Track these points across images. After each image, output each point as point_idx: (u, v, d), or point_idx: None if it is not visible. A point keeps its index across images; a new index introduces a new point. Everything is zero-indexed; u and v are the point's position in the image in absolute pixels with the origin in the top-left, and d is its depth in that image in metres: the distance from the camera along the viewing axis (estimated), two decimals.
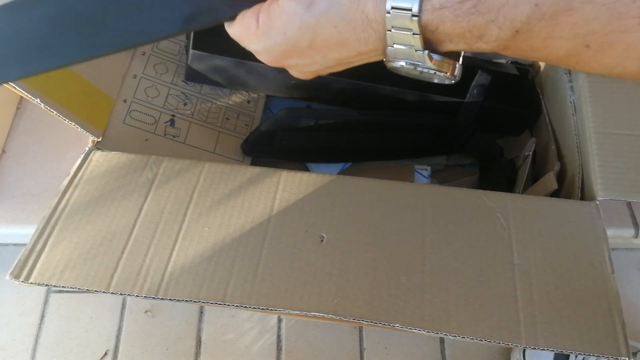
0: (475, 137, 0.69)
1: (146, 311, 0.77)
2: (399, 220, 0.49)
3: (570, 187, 0.56)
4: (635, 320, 0.75)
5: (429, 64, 0.25)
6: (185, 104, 0.66)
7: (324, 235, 0.48)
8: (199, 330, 0.76)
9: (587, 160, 0.54)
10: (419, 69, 0.26)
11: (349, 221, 0.49)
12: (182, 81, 0.67)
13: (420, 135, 0.69)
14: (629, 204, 0.77)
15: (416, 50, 0.24)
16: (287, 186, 0.51)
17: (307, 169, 0.70)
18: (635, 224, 0.74)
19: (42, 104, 0.48)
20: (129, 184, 0.51)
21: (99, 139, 0.55)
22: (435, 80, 0.28)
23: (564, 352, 0.43)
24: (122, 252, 0.46)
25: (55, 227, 0.48)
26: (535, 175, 0.67)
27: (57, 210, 0.49)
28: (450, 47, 0.24)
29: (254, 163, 0.66)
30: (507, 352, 0.73)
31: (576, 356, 0.66)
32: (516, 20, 0.21)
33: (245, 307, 0.44)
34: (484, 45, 0.23)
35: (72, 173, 0.51)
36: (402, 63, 0.26)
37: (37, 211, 0.74)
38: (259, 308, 0.44)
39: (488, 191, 0.51)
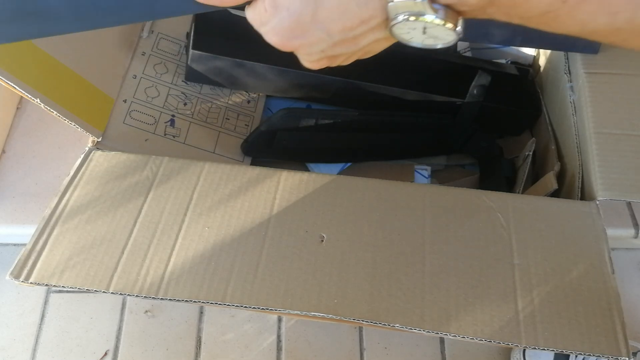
0: (475, 137, 0.69)
1: (146, 311, 0.77)
2: (399, 220, 0.49)
3: (570, 187, 0.56)
4: (635, 320, 0.75)
5: (430, 13, 0.25)
6: (185, 104, 0.66)
7: (324, 235, 0.48)
8: (199, 330, 0.76)
9: (587, 160, 0.54)
10: (422, 24, 0.25)
11: (349, 221, 0.49)
12: (182, 81, 0.67)
13: (420, 135, 0.69)
14: (629, 204, 0.77)
15: (416, 0, 0.25)
16: (287, 186, 0.51)
17: (307, 169, 0.70)
18: (635, 224, 0.74)
19: (42, 104, 0.48)
20: (129, 184, 0.51)
21: (99, 139, 0.55)
22: (439, 45, 0.28)
23: (564, 352, 0.43)
24: (122, 252, 0.46)
25: (55, 227, 0.48)
26: (535, 175, 0.67)
27: (57, 210, 0.49)
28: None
29: (254, 163, 0.66)
30: (507, 352, 0.73)
31: (576, 356, 0.66)
32: None
33: (245, 307, 0.44)
34: None
35: (72, 173, 0.51)
36: (405, 17, 0.25)
37: (37, 211, 0.74)
38: (258, 308, 0.44)
39: (488, 191, 0.51)
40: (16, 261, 0.45)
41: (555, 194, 0.57)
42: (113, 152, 0.53)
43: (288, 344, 0.74)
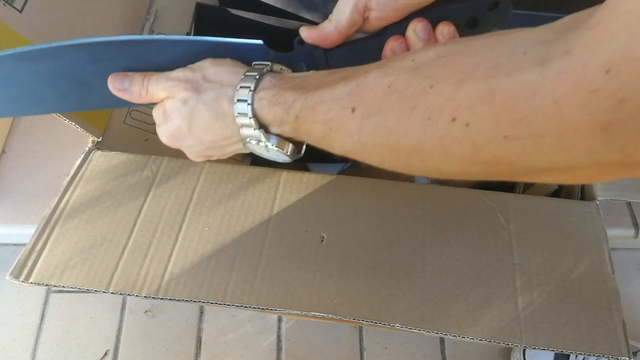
0: None
1: (146, 311, 0.77)
2: (399, 220, 0.49)
3: (570, 187, 0.56)
4: (636, 320, 0.75)
5: (265, 139, 0.34)
6: None
7: (324, 235, 0.48)
8: (199, 330, 0.76)
9: None
10: (264, 143, 0.34)
11: (349, 221, 0.49)
12: None
13: None
14: (629, 204, 0.77)
15: (254, 129, 0.33)
16: (287, 186, 0.51)
17: (307, 169, 0.70)
18: (635, 224, 0.75)
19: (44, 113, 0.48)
20: (129, 184, 0.51)
21: (99, 139, 0.55)
22: (278, 160, 0.37)
23: (564, 352, 0.43)
24: (122, 252, 0.47)
25: (55, 227, 0.48)
26: None
27: (57, 210, 0.49)
28: (274, 130, 0.34)
29: (254, 163, 0.66)
30: (507, 352, 0.73)
31: (576, 356, 0.66)
32: (296, 109, 0.31)
33: (245, 306, 0.44)
34: (286, 128, 0.33)
35: (72, 173, 0.52)
36: (252, 141, 0.35)
37: (37, 211, 0.74)
38: (259, 308, 0.44)
39: (488, 191, 0.51)
40: (16, 261, 0.45)
41: (555, 194, 0.57)
42: (113, 152, 0.53)
43: (288, 344, 0.74)
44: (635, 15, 0.16)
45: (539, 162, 0.21)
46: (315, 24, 0.38)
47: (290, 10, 0.58)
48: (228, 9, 0.59)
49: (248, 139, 0.35)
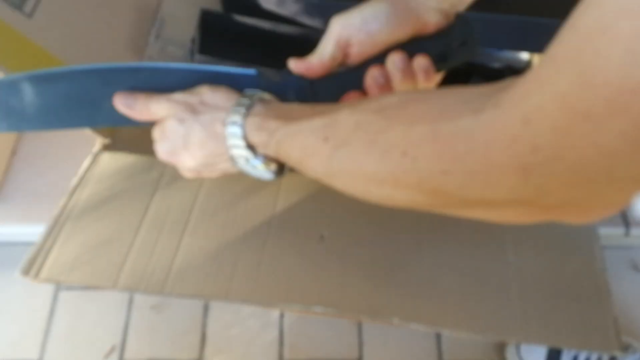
0: None
1: (152, 307, 0.78)
2: (397, 218, 0.50)
3: None
4: (627, 316, 0.76)
5: (252, 159, 0.37)
6: None
7: (323, 233, 0.49)
8: (204, 325, 0.77)
9: None
10: (251, 163, 0.37)
11: (348, 219, 0.50)
12: None
13: None
14: None
15: (243, 149, 0.36)
16: (289, 186, 0.52)
17: None
18: (625, 223, 0.75)
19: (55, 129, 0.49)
20: (136, 184, 0.52)
21: (108, 141, 0.56)
22: (262, 177, 0.39)
23: (557, 346, 0.43)
24: (129, 250, 0.48)
25: (64, 226, 0.49)
26: None
27: (66, 209, 0.50)
28: (262, 151, 0.37)
29: None
30: (502, 346, 0.73)
31: (569, 350, 0.67)
32: (278, 135, 0.35)
33: (249, 302, 0.45)
34: (269, 151, 0.36)
35: (80, 173, 0.53)
36: (241, 160, 0.38)
37: (46, 210, 0.75)
38: (261, 303, 0.45)
39: None
40: (26, 259, 0.46)
41: None
42: (121, 153, 0.54)
43: (290, 339, 0.75)
44: (548, 77, 0.19)
45: (471, 195, 0.25)
46: (317, 30, 0.39)
47: (293, 17, 0.58)
48: (233, 15, 0.60)
49: (237, 158, 0.38)
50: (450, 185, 0.25)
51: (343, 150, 0.30)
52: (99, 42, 0.57)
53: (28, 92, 0.41)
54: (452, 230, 0.49)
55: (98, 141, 0.56)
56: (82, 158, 0.55)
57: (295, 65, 0.40)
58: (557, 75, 0.18)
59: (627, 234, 0.75)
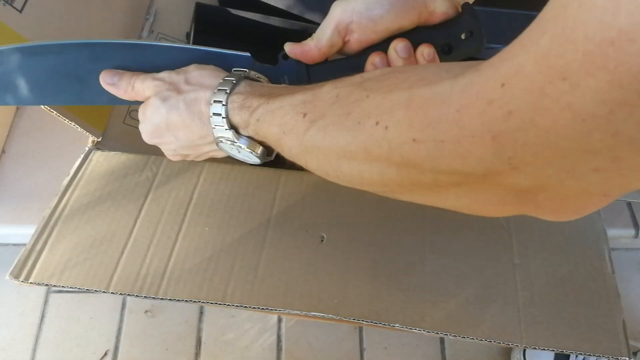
0: None
1: (146, 311, 0.77)
2: (399, 220, 0.49)
3: None
4: (636, 320, 0.75)
5: (235, 139, 0.36)
6: None
7: (324, 235, 0.48)
8: (199, 330, 0.76)
9: None
10: (236, 145, 0.36)
11: (348, 221, 0.49)
12: None
13: None
14: (629, 204, 0.77)
15: (226, 129, 0.35)
16: (287, 186, 0.51)
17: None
18: (635, 224, 0.75)
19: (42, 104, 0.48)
20: (128, 184, 0.51)
21: (99, 139, 0.55)
22: (249, 161, 0.39)
23: (564, 352, 0.43)
24: (122, 252, 0.47)
25: (55, 227, 0.48)
26: None
27: (57, 210, 0.49)
28: (244, 132, 0.36)
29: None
30: (508, 352, 0.73)
31: (576, 356, 0.66)
32: (258, 113, 0.34)
33: (245, 307, 0.44)
34: (249, 130, 0.35)
35: (72, 173, 0.52)
36: (226, 142, 0.36)
37: (37, 211, 0.74)
38: (259, 308, 0.44)
39: None
40: (16, 261, 0.45)
41: None
42: (113, 152, 0.53)
43: (288, 344, 0.74)
44: (532, 38, 0.18)
45: (440, 166, 0.24)
46: (315, 24, 0.38)
47: (289, 10, 0.58)
48: (228, 8, 0.59)
49: (220, 139, 0.36)
50: (418, 156, 0.24)
51: (318, 124, 0.29)
52: (90, 36, 0.56)
53: (16, 64, 0.40)
54: (456, 231, 0.48)
55: (89, 139, 0.55)
56: (73, 157, 0.54)
57: (291, 48, 0.39)
58: (541, 34, 0.18)
59: (636, 236, 0.74)
